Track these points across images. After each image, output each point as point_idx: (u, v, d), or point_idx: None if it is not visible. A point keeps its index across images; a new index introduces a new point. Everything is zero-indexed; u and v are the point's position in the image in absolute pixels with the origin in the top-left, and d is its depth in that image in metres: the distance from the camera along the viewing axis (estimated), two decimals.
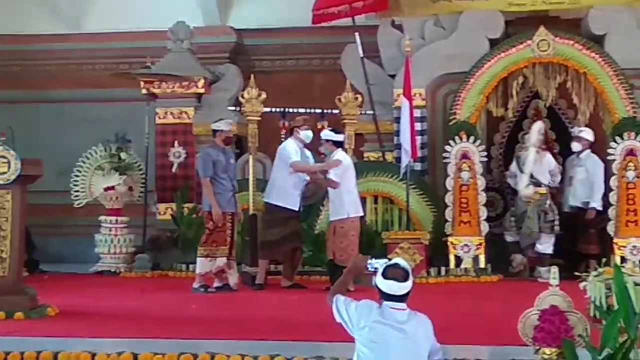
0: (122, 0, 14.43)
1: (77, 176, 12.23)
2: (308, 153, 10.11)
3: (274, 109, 11.11)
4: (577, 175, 11.10)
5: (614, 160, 10.86)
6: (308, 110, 11.35)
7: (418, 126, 11.51)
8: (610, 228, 10.83)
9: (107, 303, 8.93)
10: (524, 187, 10.87)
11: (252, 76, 11.17)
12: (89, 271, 11.96)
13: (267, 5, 14.03)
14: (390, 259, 4.69)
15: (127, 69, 13.13)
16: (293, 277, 10.08)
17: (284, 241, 9.90)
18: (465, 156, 11.10)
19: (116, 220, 12.10)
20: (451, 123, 11.46)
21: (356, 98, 11.25)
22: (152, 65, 12.66)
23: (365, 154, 12.07)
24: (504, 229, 11.11)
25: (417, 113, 11.51)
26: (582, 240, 11.03)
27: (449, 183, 11.14)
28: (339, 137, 9.78)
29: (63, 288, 9.94)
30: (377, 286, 4.57)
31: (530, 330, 4.96)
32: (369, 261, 4.73)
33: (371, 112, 11.83)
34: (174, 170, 12.57)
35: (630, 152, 10.80)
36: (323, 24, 12.52)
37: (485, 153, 11.52)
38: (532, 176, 10.88)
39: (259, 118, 10.75)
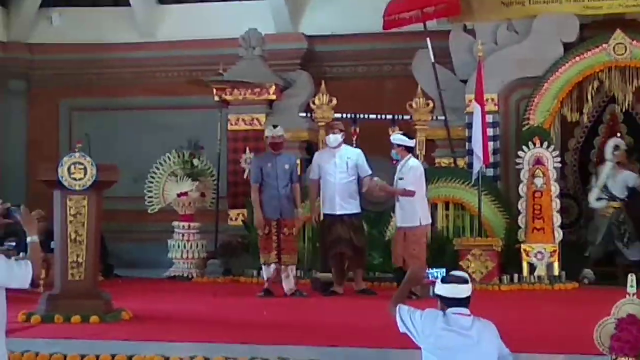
0: (195, 8, 14.64)
1: (150, 182, 12.40)
2: (347, 154, 9.88)
3: (344, 115, 11.12)
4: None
5: None
6: (379, 116, 11.35)
7: (490, 132, 11.38)
8: None
9: (180, 307, 9.03)
10: (594, 201, 10.83)
11: (323, 82, 11.24)
12: (162, 276, 12.12)
13: (339, 11, 14.04)
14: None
15: (200, 76, 13.29)
16: (343, 283, 9.93)
17: (330, 246, 9.89)
18: (538, 162, 10.93)
19: (188, 225, 12.24)
20: (524, 128, 11.32)
21: (427, 104, 11.21)
22: (224, 72, 12.79)
23: (437, 160, 11.99)
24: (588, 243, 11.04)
25: (489, 118, 11.39)
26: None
27: (522, 189, 10.99)
28: (411, 143, 9.69)
29: (137, 292, 10.09)
30: (437, 295, 4.55)
31: (606, 339, 4.86)
32: (428, 270, 4.72)
33: (442, 117, 11.75)
34: (245, 176, 12.63)
35: None
36: (394, 30, 12.48)
37: (560, 159, 11.33)
38: (607, 190, 10.75)
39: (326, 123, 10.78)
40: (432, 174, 11.19)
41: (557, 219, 10.96)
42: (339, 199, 9.77)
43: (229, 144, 12.83)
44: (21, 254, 4.74)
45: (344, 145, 9.96)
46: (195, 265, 12.17)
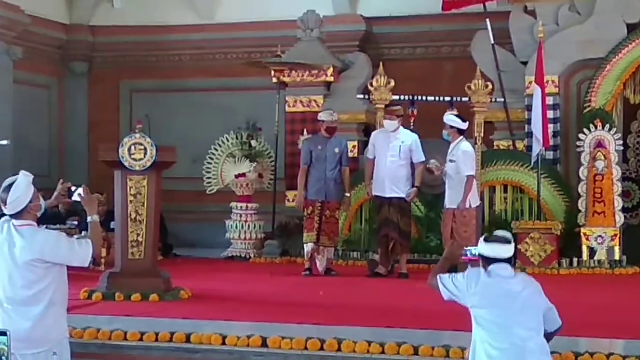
0: None
1: (209, 163, 12.50)
2: (402, 137, 9.82)
3: (402, 97, 11.07)
4: None
5: None
6: (437, 98, 11.27)
7: (550, 114, 11.24)
8: None
9: (237, 287, 9.12)
10: None
11: (381, 64, 11.17)
12: (220, 256, 12.23)
13: None
14: None
15: (259, 58, 13.33)
16: (388, 265, 9.92)
17: (379, 228, 9.91)
18: (600, 145, 10.77)
19: (246, 206, 12.32)
20: (585, 111, 11.15)
21: (486, 85, 11.09)
22: (282, 54, 12.80)
23: (495, 142, 11.88)
24: None
25: (549, 100, 11.25)
26: None
27: (583, 172, 10.84)
28: (464, 125, 9.61)
29: (195, 272, 10.20)
30: (480, 254, 4.57)
31: None
32: (466, 248, 4.75)
33: (501, 99, 11.62)
34: None
35: None
36: (453, 11, 12.36)
37: (621, 141, 11.14)
38: None
39: (384, 106, 10.74)
40: (491, 156, 11.09)
41: (618, 203, 10.79)
42: (389, 181, 9.78)
43: (286, 126, 12.87)
44: (83, 233, 4.83)
45: (401, 129, 9.94)
46: (252, 246, 12.25)
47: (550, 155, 11.42)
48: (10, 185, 4.70)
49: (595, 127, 10.80)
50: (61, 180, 5.21)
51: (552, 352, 5.13)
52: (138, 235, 7.93)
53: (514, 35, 12.08)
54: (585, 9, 11.70)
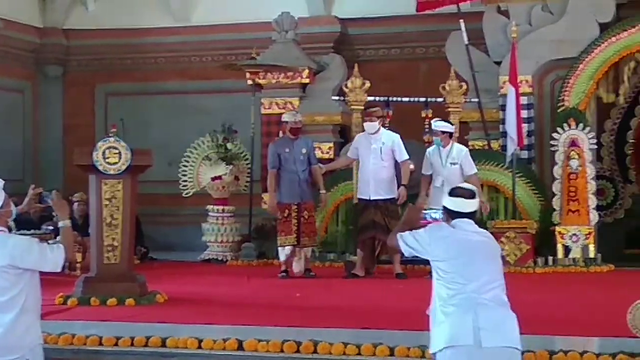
0: None
1: (185, 166, 12.48)
2: (383, 139, 9.84)
3: (377, 98, 11.10)
4: None
5: None
6: (412, 99, 11.31)
7: (524, 113, 11.30)
8: None
9: (214, 290, 9.10)
10: None
11: (356, 65, 11.20)
12: (196, 259, 12.21)
13: None
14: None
15: (234, 60, 13.32)
16: (370, 267, 9.98)
17: (362, 230, 9.91)
18: (574, 144, 10.84)
19: (223, 209, 12.30)
20: (559, 110, 11.22)
21: (461, 86, 11.15)
22: (257, 56, 12.80)
23: (470, 142, 11.91)
24: None
25: (523, 100, 11.31)
26: None
27: (557, 171, 10.90)
28: (453, 128, 9.86)
29: (172, 275, 10.18)
30: (445, 208, 4.56)
31: (639, 322, 4.83)
32: (425, 211, 4.70)
33: (476, 99, 11.67)
34: None
35: None
36: (427, 12, 12.40)
37: (595, 140, 11.23)
38: None
39: (363, 107, 10.77)
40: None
41: (592, 201, 10.87)
42: (373, 184, 9.77)
43: (262, 128, 12.86)
44: (58, 238, 4.80)
45: (382, 130, 9.96)
46: (229, 249, 12.24)
47: (525, 154, 11.49)
48: None
49: (569, 126, 10.87)
50: (32, 186, 5.20)
51: (527, 351, 5.17)
52: (113, 239, 7.89)
53: (488, 35, 12.14)
54: (557, 9, 11.78)
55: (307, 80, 12.75)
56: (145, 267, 10.41)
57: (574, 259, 10.64)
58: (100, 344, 6.16)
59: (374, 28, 13.94)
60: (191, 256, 12.29)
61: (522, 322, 4.46)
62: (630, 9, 11.60)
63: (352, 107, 11.10)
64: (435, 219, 4.60)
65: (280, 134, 12.47)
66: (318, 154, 12.37)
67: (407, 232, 4.60)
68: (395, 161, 9.86)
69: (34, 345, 4.72)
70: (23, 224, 9.67)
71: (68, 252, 4.71)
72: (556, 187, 10.89)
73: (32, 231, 9.92)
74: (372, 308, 7.71)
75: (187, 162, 12.47)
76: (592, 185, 10.90)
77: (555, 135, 10.94)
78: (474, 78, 11.75)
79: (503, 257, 4.64)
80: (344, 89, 11.31)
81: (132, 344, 6.14)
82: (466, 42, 11.84)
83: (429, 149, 9.99)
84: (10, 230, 4.76)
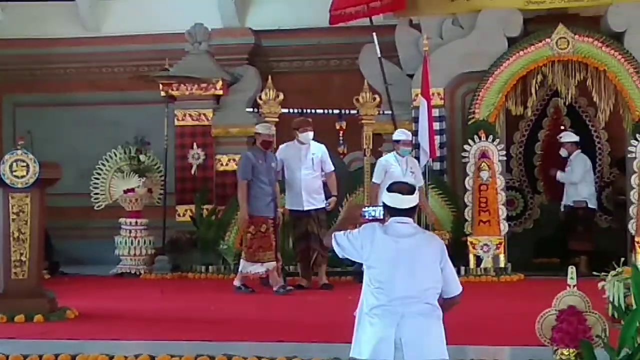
0: (140, 3, 14.48)
1: (97, 179, 12.28)
2: (313, 149, 9.84)
3: (292, 110, 11.12)
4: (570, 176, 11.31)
5: (634, 158, 10.76)
6: (326, 111, 11.36)
7: (436, 126, 11.46)
8: (631, 227, 10.75)
9: (127, 305, 8.95)
10: None
11: (270, 77, 11.18)
12: (109, 273, 12.01)
13: (285, 6, 14.01)
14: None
15: (146, 72, 13.17)
16: (310, 277, 9.97)
17: (298, 241, 9.90)
18: (484, 155, 11.04)
19: (136, 222, 12.13)
20: (470, 122, 11.42)
21: (374, 98, 11.24)
22: (170, 67, 12.70)
23: (384, 154, 12.02)
24: None
25: (435, 112, 11.48)
26: (573, 237, 11.16)
27: (468, 182, 11.09)
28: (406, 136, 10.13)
29: (83, 290, 9.98)
30: (383, 203, 4.40)
31: (548, 330, 4.92)
32: (365, 209, 4.58)
33: (389, 112, 11.80)
34: (193, 172, 12.59)
35: None
36: (341, 24, 12.49)
37: (505, 152, 11.47)
38: None
39: (277, 119, 10.78)
40: None
41: (502, 212, 11.09)
42: (306, 194, 9.73)
43: (176, 140, 12.75)
44: None
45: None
46: (143, 262, 12.07)
47: (437, 166, 11.65)
48: None
49: (480, 138, 11.07)
50: None
51: None
52: (21, 254, 7.71)
53: (400, 48, 12.29)
54: (467, 23, 12.00)
55: (220, 92, 12.69)
56: (56, 282, 10.18)
57: (485, 269, 10.83)
58: None
59: (288, 40, 13.97)
60: (103, 270, 12.08)
61: None
62: (537, 24, 11.89)
63: (266, 119, 11.08)
64: (374, 217, 4.43)
65: (195, 146, 12.51)
66: (232, 166, 12.41)
67: (341, 233, 4.45)
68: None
69: None
70: None
71: None
72: (468, 198, 11.08)
73: None
74: (289, 321, 7.69)
75: (99, 174, 12.26)
76: (502, 196, 11.12)
77: (466, 147, 11.13)
78: (387, 90, 11.88)
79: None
80: (258, 100, 11.29)
81: None
82: (379, 55, 11.96)
83: (384, 159, 10.18)
84: None
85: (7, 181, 7.61)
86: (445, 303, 4.44)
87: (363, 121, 11.08)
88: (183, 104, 12.71)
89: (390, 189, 4.41)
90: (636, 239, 10.61)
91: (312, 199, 9.77)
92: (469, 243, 10.90)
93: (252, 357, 5.83)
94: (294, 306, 8.80)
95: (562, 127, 12.29)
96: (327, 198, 9.89)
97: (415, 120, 11.58)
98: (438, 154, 11.40)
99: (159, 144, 12.33)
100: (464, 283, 10.40)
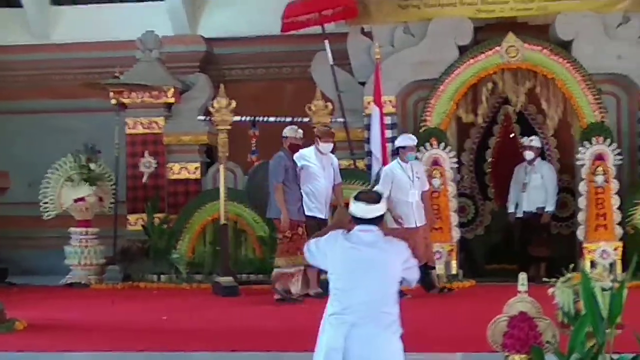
0: (90, 10, 14.35)
1: (46, 188, 12.12)
2: (331, 160, 9.95)
3: (244, 118, 11.09)
4: (532, 182, 11.31)
5: (582, 165, 10.92)
6: (278, 119, 11.36)
7: (389, 133, 11.52)
8: (580, 232, 10.90)
9: (77, 316, 8.85)
10: None
11: (222, 85, 11.15)
12: (59, 283, 11.85)
13: (237, 14, 13.98)
14: None
15: (97, 79, 13.04)
16: (308, 286, 9.61)
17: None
18: (436, 163, 11.12)
19: (86, 231, 12.01)
20: (422, 130, 11.48)
21: (326, 106, 11.27)
22: (121, 75, 12.59)
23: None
24: None
25: (387, 120, 11.54)
26: (534, 243, 11.26)
27: None
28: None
29: (32, 301, 9.85)
30: (349, 211, 4.42)
31: (499, 336, 4.95)
32: None
33: (341, 119, 11.83)
34: (144, 180, 12.49)
35: (599, 157, 10.85)
36: (293, 32, 12.50)
37: (456, 159, 11.56)
38: None
39: (229, 127, 10.74)
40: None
41: (454, 219, 11.16)
42: (324, 204, 9.72)
43: (127, 148, 12.64)
44: None
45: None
46: (93, 272, 11.94)
47: None
48: None
49: (431, 145, 11.15)
50: None
51: None
52: None
53: (352, 56, 12.33)
54: (419, 31, 12.08)
55: (172, 100, 12.61)
56: (4, 293, 10.01)
57: (437, 276, 10.87)
58: None
59: (239, 48, 13.94)
60: (53, 280, 11.92)
61: None
62: (488, 32, 12.02)
63: (218, 127, 11.03)
64: None
65: (146, 154, 12.40)
66: (184, 174, 12.34)
67: (313, 241, 4.48)
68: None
69: None
70: None
71: None
72: None
73: None
74: (241, 329, 7.65)
75: (49, 183, 12.11)
76: (453, 203, 11.20)
77: (418, 154, 11.17)
78: (339, 98, 11.91)
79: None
80: (210, 108, 11.24)
81: None
82: (331, 62, 12.00)
83: (388, 168, 10.06)
84: None
85: None
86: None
87: (315, 129, 11.08)
88: (134, 112, 12.60)
89: (356, 197, 4.43)
90: (584, 245, 10.77)
91: (327, 209, 9.77)
92: None
93: None
94: (249, 315, 8.76)
95: (512, 135, 12.44)
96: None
97: (368, 127, 11.62)
98: (390, 161, 11.43)
99: (110, 152, 12.22)
100: (416, 290, 10.51)
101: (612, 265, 10.52)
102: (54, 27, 14.50)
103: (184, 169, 12.37)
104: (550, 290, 5.09)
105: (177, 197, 12.32)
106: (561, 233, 12.00)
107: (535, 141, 11.45)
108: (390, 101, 11.79)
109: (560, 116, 11.49)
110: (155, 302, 9.80)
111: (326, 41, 11.99)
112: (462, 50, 11.76)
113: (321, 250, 4.42)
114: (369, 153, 11.52)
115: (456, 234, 11.14)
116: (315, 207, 9.67)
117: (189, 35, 14.03)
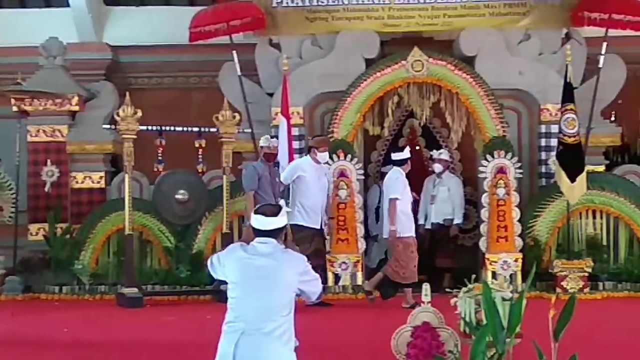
0: None
1: None
2: (325, 170, 10.26)
3: (150, 127, 10.97)
4: (440, 194, 11.55)
5: (485, 178, 11.17)
6: (185, 129, 11.27)
7: (296, 144, 11.56)
8: (482, 244, 11.14)
9: None
10: None
11: (127, 94, 11.00)
12: None
13: (144, 22, 13.82)
14: None
15: None
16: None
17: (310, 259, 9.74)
18: (342, 174, 11.20)
19: None
20: None
21: (234, 116, 11.23)
22: (23, 81, 12.30)
23: (243, 173, 12.02)
24: None
25: (295, 131, 11.58)
26: (440, 255, 11.50)
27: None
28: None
29: None
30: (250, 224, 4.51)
31: (403, 346, 5.03)
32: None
33: (249, 130, 11.82)
34: (46, 189, 12.22)
35: (501, 170, 11.12)
36: (200, 42, 12.44)
37: (363, 171, 11.67)
38: None
39: (135, 136, 10.60)
40: (239, 187, 11.20)
41: (360, 230, 11.26)
42: (318, 214, 10.00)
43: (29, 156, 12.35)
44: None
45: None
46: None
47: None
48: None
49: (338, 157, 11.23)
50: None
51: None
52: None
53: (260, 67, 12.34)
54: (326, 43, 12.18)
55: (76, 108, 12.38)
56: None
57: (343, 287, 10.97)
58: None
59: (146, 56, 13.78)
60: None
61: None
62: (394, 46, 12.19)
63: (124, 136, 10.88)
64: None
65: (49, 163, 12.14)
66: (88, 183, 12.13)
67: (214, 255, 4.55)
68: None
69: None
70: None
71: None
72: None
73: None
74: (147, 342, 7.56)
75: None
76: (360, 214, 11.30)
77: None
78: (247, 109, 11.90)
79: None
80: (116, 117, 11.07)
81: None
82: (239, 73, 11.98)
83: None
84: None
85: None
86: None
87: (223, 139, 11.05)
88: (37, 120, 12.32)
89: (256, 211, 4.51)
90: (487, 256, 11.01)
91: (320, 219, 10.06)
92: (327, 261, 11.00)
93: None
94: (151, 326, 8.66)
95: (417, 148, 12.63)
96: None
97: (275, 138, 11.62)
98: None
99: (11, 160, 11.92)
100: (322, 301, 10.44)
101: (512, 276, 10.79)
102: None
103: (88, 178, 12.15)
104: (453, 301, 5.20)
105: (80, 206, 12.09)
106: (464, 245, 12.22)
107: (444, 154, 11.67)
108: (297, 112, 11.84)
109: (463, 130, 11.72)
110: (56, 313, 9.61)
111: (234, 52, 11.96)
112: (369, 63, 11.89)
113: (221, 262, 4.49)
114: (277, 164, 11.51)
115: (362, 245, 11.24)
116: (310, 218, 9.99)
117: (95, 43, 13.79)
